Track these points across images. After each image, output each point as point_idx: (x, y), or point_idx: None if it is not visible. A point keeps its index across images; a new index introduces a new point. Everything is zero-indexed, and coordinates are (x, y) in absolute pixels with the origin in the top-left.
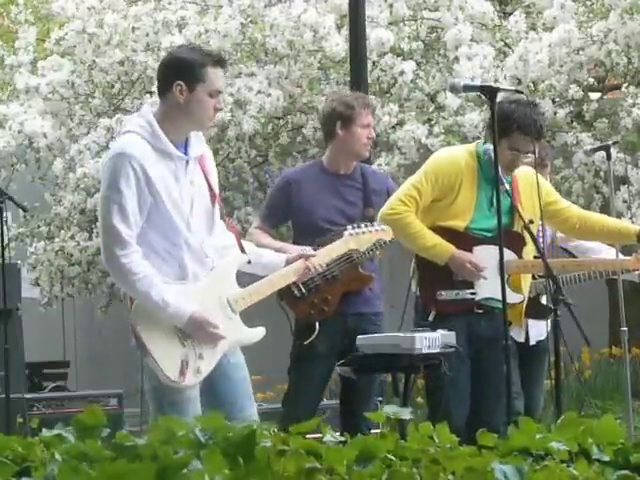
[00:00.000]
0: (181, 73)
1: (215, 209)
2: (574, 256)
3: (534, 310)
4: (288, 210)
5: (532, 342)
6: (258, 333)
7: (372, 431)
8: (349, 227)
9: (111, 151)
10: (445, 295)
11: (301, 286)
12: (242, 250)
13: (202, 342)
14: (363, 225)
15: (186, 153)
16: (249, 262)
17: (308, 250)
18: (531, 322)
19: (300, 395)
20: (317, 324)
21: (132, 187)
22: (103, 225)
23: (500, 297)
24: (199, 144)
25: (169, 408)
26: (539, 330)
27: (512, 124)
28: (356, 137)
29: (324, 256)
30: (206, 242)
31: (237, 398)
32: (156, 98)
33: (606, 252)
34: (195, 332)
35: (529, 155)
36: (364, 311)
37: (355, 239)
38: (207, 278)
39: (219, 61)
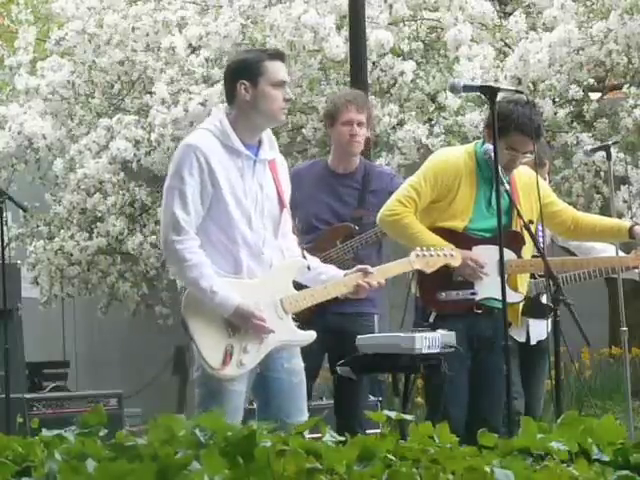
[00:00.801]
0: (241, 73)
1: (282, 217)
2: (575, 255)
3: (534, 309)
4: (291, 204)
5: (533, 342)
6: (309, 336)
7: (367, 431)
8: (417, 248)
9: (179, 144)
10: (445, 296)
11: None
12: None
13: (248, 335)
14: (432, 249)
15: (256, 155)
16: (308, 268)
17: (368, 267)
18: (531, 322)
19: None
20: None
21: (195, 176)
22: (164, 211)
23: (499, 296)
24: (272, 150)
25: (209, 397)
26: (540, 330)
27: (510, 124)
28: (339, 134)
29: (383, 273)
30: (268, 242)
31: (285, 403)
32: (155, 98)
33: (609, 251)
34: (241, 324)
35: (528, 155)
36: (348, 311)
37: (422, 260)
38: (263, 276)
39: (276, 54)
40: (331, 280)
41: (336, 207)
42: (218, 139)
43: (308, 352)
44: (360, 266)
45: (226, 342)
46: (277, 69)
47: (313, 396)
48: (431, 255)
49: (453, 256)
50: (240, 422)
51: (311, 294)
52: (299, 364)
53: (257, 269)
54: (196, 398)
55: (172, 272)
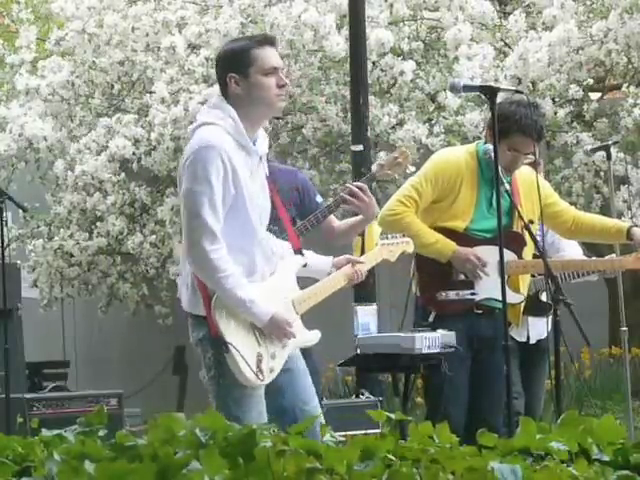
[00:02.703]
0: (230, 65)
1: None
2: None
3: (534, 307)
4: None
5: (532, 341)
6: (315, 336)
7: (367, 431)
8: (382, 237)
9: (196, 143)
10: (445, 296)
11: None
12: (300, 253)
13: (276, 341)
14: (390, 236)
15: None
16: (305, 265)
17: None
18: (531, 321)
19: None
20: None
21: (220, 180)
22: (191, 217)
23: (500, 297)
24: (264, 143)
25: (234, 406)
26: (539, 329)
27: (512, 125)
28: None
29: (368, 262)
30: (271, 240)
31: (299, 390)
32: (155, 97)
33: (573, 252)
34: (273, 332)
35: (529, 156)
36: None
37: (387, 249)
38: (273, 278)
39: (264, 40)
40: (318, 269)
41: None
42: (232, 137)
43: None
44: (347, 256)
45: (257, 350)
46: (267, 56)
47: None
48: (391, 244)
49: (408, 242)
50: None
51: (314, 292)
52: (297, 351)
53: (267, 270)
54: (218, 406)
55: (202, 278)
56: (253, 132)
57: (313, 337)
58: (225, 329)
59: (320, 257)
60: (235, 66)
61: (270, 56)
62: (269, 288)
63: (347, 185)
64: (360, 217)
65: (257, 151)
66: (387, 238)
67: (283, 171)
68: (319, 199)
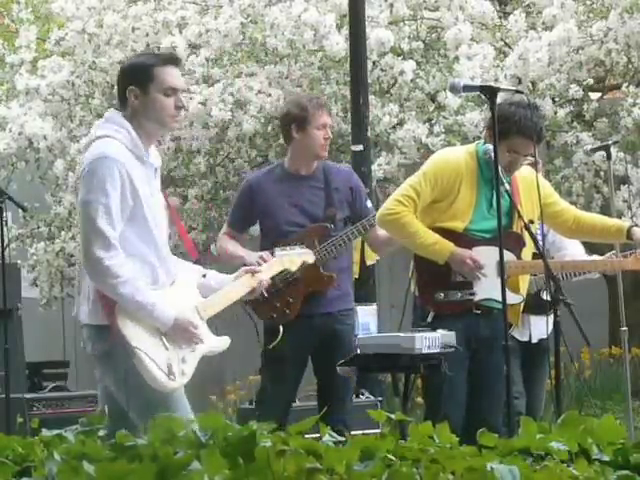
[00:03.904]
0: (132, 78)
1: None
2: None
3: (535, 305)
4: (252, 214)
5: (534, 340)
6: (225, 341)
7: (367, 431)
8: (277, 249)
9: (91, 155)
10: (443, 296)
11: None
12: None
13: (183, 345)
14: (288, 247)
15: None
16: (204, 276)
17: (253, 264)
18: (533, 320)
19: (272, 396)
20: (281, 327)
21: (117, 189)
22: (86, 226)
23: (499, 298)
24: (156, 156)
25: (156, 407)
26: (541, 329)
27: (512, 127)
28: (313, 138)
29: (267, 270)
30: (168, 251)
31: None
32: None
33: (574, 250)
34: (178, 335)
35: (529, 157)
36: (331, 310)
37: (287, 259)
38: (175, 286)
39: (169, 59)
40: (221, 284)
41: (307, 208)
42: (130, 150)
43: (294, 358)
44: (246, 267)
45: (165, 354)
46: (169, 75)
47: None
48: (288, 255)
49: (306, 253)
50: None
51: (218, 300)
52: None
53: (166, 279)
54: (138, 409)
55: (99, 287)
56: (147, 145)
57: (221, 343)
58: (130, 335)
59: (220, 275)
60: (136, 80)
61: (171, 76)
62: (172, 295)
63: None
64: None
65: (153, 163)
66: (285, 249)
67: (339, 170)
68: (369, 204)
